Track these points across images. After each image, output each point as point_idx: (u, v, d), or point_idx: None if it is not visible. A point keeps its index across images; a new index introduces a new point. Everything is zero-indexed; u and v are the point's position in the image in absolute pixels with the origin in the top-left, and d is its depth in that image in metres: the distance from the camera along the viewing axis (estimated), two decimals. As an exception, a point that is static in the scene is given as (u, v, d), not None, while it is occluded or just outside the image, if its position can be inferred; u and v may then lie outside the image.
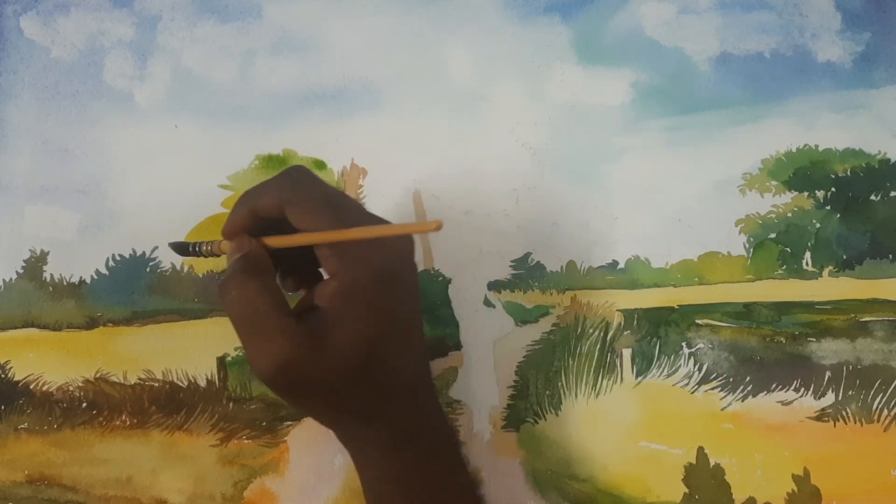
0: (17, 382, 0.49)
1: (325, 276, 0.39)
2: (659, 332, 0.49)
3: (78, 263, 0.50)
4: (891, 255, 0.49)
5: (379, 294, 0.37)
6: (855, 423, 0.48)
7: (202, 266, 0.50)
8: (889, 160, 0.50)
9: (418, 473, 0.41)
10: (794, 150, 0.51)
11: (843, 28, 0.52)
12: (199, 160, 0.51)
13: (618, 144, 0.51)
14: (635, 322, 0.49)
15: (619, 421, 0.48)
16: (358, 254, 0.37)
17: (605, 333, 0.49)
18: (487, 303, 0.50)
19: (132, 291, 0.50)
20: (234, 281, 0.37)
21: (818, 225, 0.50)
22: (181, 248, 0.43)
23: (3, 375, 0.49)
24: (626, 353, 0.49)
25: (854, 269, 0.49)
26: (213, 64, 0.52)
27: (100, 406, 0.48)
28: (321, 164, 0.51)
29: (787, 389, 0.48)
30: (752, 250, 0.50)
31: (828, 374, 0.48)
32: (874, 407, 0.48)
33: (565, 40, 0.52)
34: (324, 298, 0.37)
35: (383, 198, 0.51)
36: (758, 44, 0.52)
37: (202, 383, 0.49)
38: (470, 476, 0.44)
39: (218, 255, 0.41)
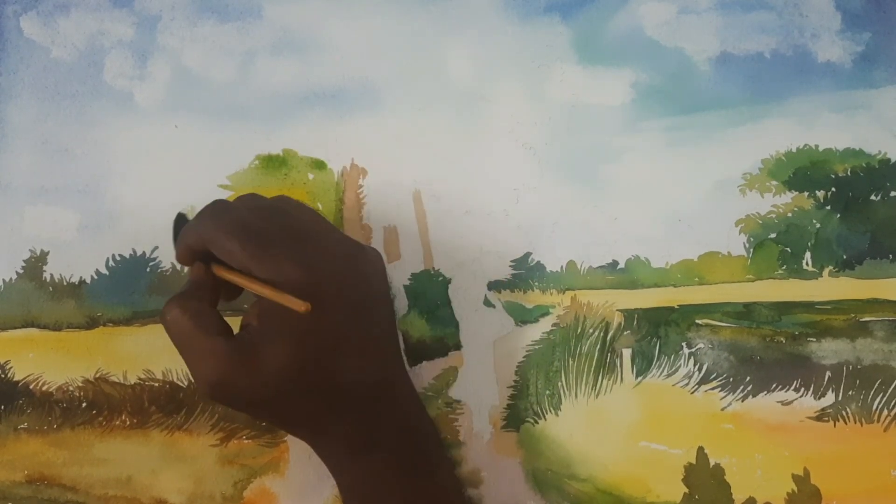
0: (17, 382, 0.49)
1: None
2: (659, 332, 0.49)
3: (78, 263, 0.50)
4: (891, 255, 0.49)
5: (313, 301, 0.37)
6: (855, 423, 0.48)
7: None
8: (889, 160, 0.50)
9: (392, 475, 0.41)
10: (794, 150, 0.51)
11: (843, 28, 0.52)
12: (199, 160, 0.51)
13: (618, 144, 0.51)
14: (635, 322, 0.49)
15: (619, 421, 0.48)
16: (282, 273, 0.38)
17: (605, 333, 0.49)
18: (487, 303, 0.50)
19: (132, 291, 0.50)
20: (167, 306, 0.39)
21: (818, 225, 0.50)
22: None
23: (2, 375, 0.49)
24: (626, 353, 0.49)
25: (854, 269, 0.49)
26: (213, 64, 0.52)
27: (100, 406, 0.48)
28: (321, 164, 0.51)
29: (788, 389, 0.48)
30: (752, 250, 0.50)
31: (828, 374, 0.48)
32: (874, 407, 0.48)
33: (565, 40, 0.52)
34: (251, 317, 0.40)
35: (383, 198, 0.51)
36: (758, 44, 0.52)
37: (202, 383, 0.49)
38: (454, 476, 0.44)
39: None
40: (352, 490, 0.42)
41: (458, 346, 0.49)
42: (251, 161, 0.51)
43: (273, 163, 0.51)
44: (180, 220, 0.45)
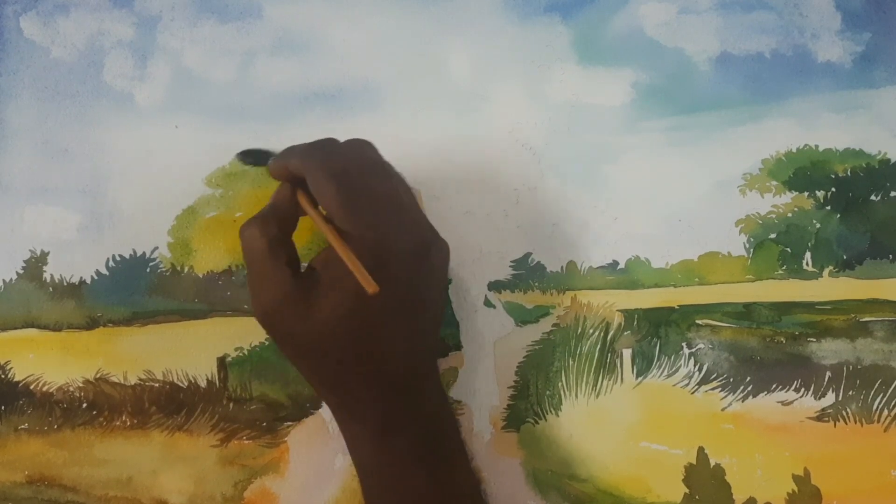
0: (18, 383, 0.49)
1: None
2: (659, 332, 0.49)
3: (78, 264, 0.50)
4: (891, 255, 0.49)
5: (378, 275, 0.37)
6: (855, 423, 0.48)
7: (202, 266, 0.50)
8: (889, 160, 0.50)
9: (412, 462, 0.41)
10: (794, 150, 0.51)
11: (842, 28, 0.52)
12: (199, 160, 0.51)
13: (618, 144, 0.51)
14: (635, 322, 0.49)
15: (620, 421, 0.48)
16: (361, 234, 0.38)
17: (606, 334, 0.49)
18: (487, 303, 0.50)
19: (132, 292, 0.50)
20: (246, 226, 0.40)
21: (818, 225, 0.50)
22: (256, 156, 0.45)
23: (3, 376, 0.49)
24: (627, 354, 0.49)
25: (854, 269, 0.49)
26: (213, 64, 0.52)
27: (100, 406, 0.48)
28: (321, 165, 0.51)
29: (788, 390, 0.48)
30: (752, 250, 0.50)
31: (828, 374, 0.48)
32: (874, 407, 0.48)
33: (565, 40, 0.52)
34: (317, 261, 0.40)
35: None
36: (758, 44, 0.52)
37: (202, 384, 0.49)
38: (472, 470, 0.44)
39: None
40: (371, 473, 0.42)
41: (458, 347, 0.49)
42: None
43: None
44: (250, 151, 0.45)
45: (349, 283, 0.38)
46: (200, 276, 0.50)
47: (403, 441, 0.41)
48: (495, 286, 0.50)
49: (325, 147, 0.41)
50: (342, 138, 0.51)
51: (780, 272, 0.50)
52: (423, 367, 0.43)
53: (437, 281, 0.43)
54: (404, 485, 0.41)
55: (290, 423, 0.48)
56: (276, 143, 0.50)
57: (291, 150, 0.41)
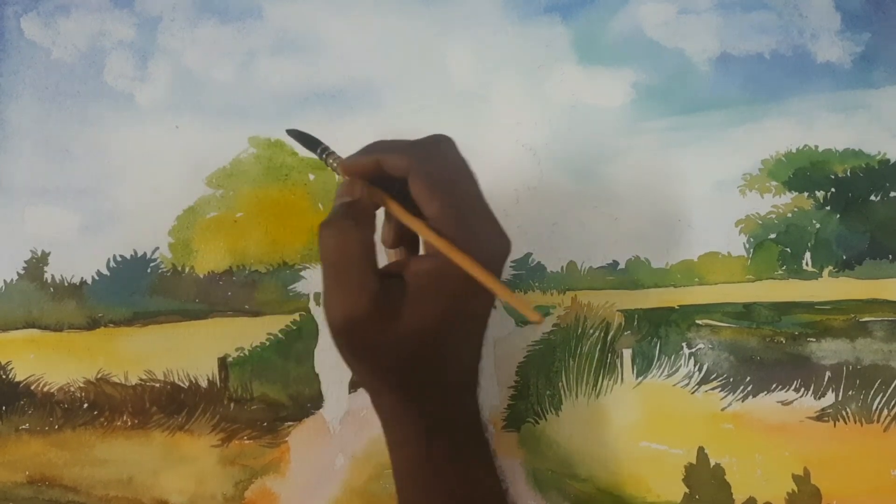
0: (19, 383, 0.49)
1: (422, 251, 0.39)
2: (659, 332, 0.49)
3: (79, 264, 0.50)
4: (890, 256, 0.49)
5: (464, 288, 0.37)
6: (855, 423, 0.48)
7: (203, 266, 0.50)
8: (889, 160, 0.50)
9: (449, 461, 0.40)
10: (793, 150, 0.51)
11: (842, 28, 0.52)
12: (199, 160, 0.51)
13: (618, 144, 0.51)
14: (636, 322, 0.49)
15: (620, 421, 0.48)
16: (461, 244, 0.37)
17: (606, 334, 0.49)
18: (488, 303, 0.50)
19: (133, 292, 0.50)
20: (335, 226, 0.37)
21: (818, 225, 0.50)
22: (308, 141, 0.42)
23: (4, 376, 0.49)
24: (627, 354, 0.49)
25: (854, 269, 0.49)
26: (214, 64, 0.52)
27: (101, 407, 0.48)
28: (322, 165, 0.51)
29: (788, 389, 0.48)
30: (752, 250, 0.50)
31: (828, 374, 0.48)
32: (874, 407, 0.48)
33: (565, 40, 0.52)
34: (413, 273, 0.37)
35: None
36: (758, 44, 0.52)
37: (203, 384, 0.49)
38: (499, 472, 0.43)
39: (335, 172, 0.41)
40: (408, 473, 0.41)
41: (458, 347, 0.49)
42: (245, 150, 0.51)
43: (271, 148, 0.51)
44: (298, 133, 0.43)
45: (445, 291, 0.37)
46: (201, 276, 0.50)
47: (445, 442, 0.40)
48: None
49: (431, 149, 0.38)
50: (342, 138, 0.51)
51: (780, 272, 0.50)
52: (474, 373, 0.42)
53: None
54: (440, 484, 0.40)
55: (290, 424, 0.48)
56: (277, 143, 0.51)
57: (391, 147, 0.39)
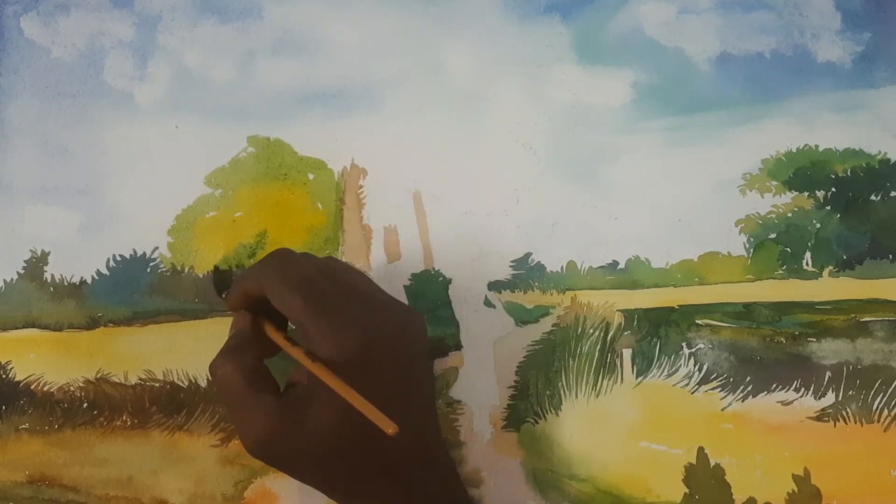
0: (18, 383, 0.49)
1: None
2: (659, 332, 0.49)
3: (78, 264, 0.50)
4: (891, 255, 0.49)
5: (356, 372, 0.37)
6: (855, 423, 0.48)
7: (202, 266, 0.50)
8: (889, 160, 0.50)
9: None
10: (794, 150, 0.51)
11: (843, 28, 0.52)
12: (199, 160, 0.51)
13: (618, 144, 0.51)
14: (635, 322, 0.49)
15: (620, 421, 0.48)
16: (339, 335, 0.38)
17: (606, 334, 0.49)
18: (487, 303, 0.50)
19: (133, 292, 0.50)
20: (216, 361, 0.39)
21: (818, 225, 0.50)
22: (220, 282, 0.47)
23: (3, 376, 0.49)
24: (627, 354, 0.49)
25: (854, 269, 0.49)
26: (213, 64, 0.52)
27: (101, 406, 0.48)
28: (321, 164, 0.51)
29: (788, 389, 0.48)
30: (752, 250, 0.50)
31: (828, 374, 0.48)
32: (874, 407, 0.48)
33: (565, 40, 0.52)
34: (300, 375, 0.39)
35: (383, 198, 0.51)
36: (758, 44, 0.52)
37: (203, 383, 0.49)
38: None
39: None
40: None
41: (458, 347, 0.49)
42: (244, 148, 0.51)
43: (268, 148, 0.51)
44: (220, 273, 0.47)
45: (329, 390, 0.37)
46: (201, 276, 0.50)
47: None
48: (495, 286, 0.50)
49: (280, 261, 0.40)
50: (342, 138, 0.51)
51: (780, 272, 0.50)
52: (429, 441, 0.42)
53: (419, 352, 0.43)
54: None
55: (290, 423, 0.48)
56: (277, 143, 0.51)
57: (244, 276, 0.41)
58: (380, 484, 0.40)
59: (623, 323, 0.49)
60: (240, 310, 0.41)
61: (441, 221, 0.50)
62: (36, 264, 0.50)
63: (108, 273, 0.50)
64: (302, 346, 0.39)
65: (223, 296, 0.44)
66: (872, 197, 0.50)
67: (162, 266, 0.50)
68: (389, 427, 0.35)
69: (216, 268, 0.48)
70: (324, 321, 0.38)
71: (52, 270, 0.50)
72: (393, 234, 0.50)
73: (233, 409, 0.39)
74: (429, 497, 0.41)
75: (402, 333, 0.41)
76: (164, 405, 0.48)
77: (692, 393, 0.49)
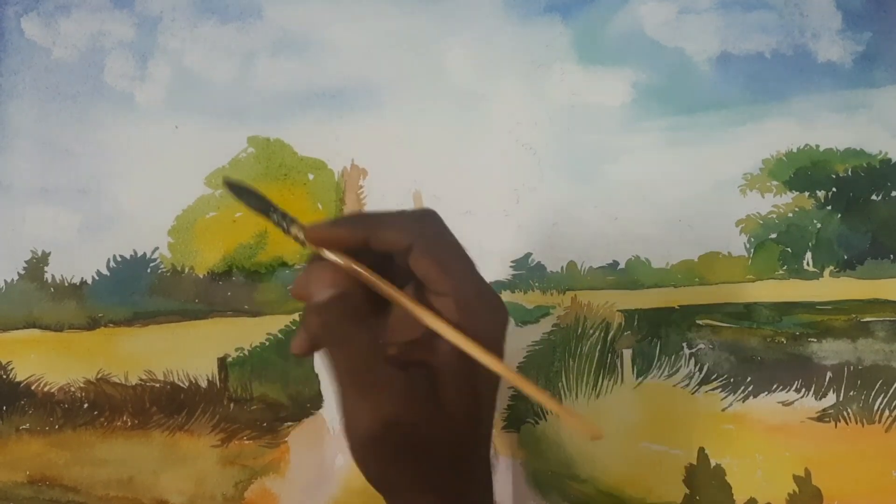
0: (19, 383, 0.49)
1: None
2: (659, 332, 0.49)
3: (79, 264, 0.50)
4: (892, 255, 0.49)
5: (497, 355, 0.34)
6: (856, 423, 0.48)
7: (203, 266, 0.50)
8: (890, 160, 0.50)
9: None
10: (794, 150, 0.51)
11: (843, 28, 0.52)
12: (199, 160, 0.51)
13: (618, 144, 0.51)
14: (636, 322, 0.49)
15: (620, 421, 0.48)
16: (480, 317, 0.33)
17: (606, 334, 0.49)
18: (488, 303, 0.50)
19: (133, 292, 0.50)
20: (338, 331, 0.33)
21: (819, 225, 0.50)
22: (259, 202, 0.35)
23: (4, 376, 0.49)
24: (627, 354, 0.49)
25: (855, 269, 0.49)
26: (214, 64, 0.52)
27: (101, 407, 0.49)
28: (321, 164, 0.51)
29: (788, 390, 0.48)
30: (752, 250, 0.50)
31: (829, 374, 0.48)
32: (875, 408, 0.48)
33: (565, 40, 0.52)
34: (423, 353, 0.33)
35: (383, 198, 0.51)
36: (758, 44, 0.52)
37: (203, 384, 0.49)
38: None
39: (293, 239, 0.34)
40: None
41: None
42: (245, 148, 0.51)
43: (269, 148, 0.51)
44: (250, 194, 0.35)
45: (475, 370, 0.33)
46: (201, 276, 0.50)
47: None
48: (495, 286, 0.50)
49: (430, 224, 0.34)
50: (343, 139, 0.51)
51: (781, 272, 0.50)
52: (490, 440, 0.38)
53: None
54: None
55: (290, 424, 0.48)
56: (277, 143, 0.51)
57: (384, 221, 0.34)
58: (460, 477, 0.35)
59: (623, 323, 0.49)
60: (335, 252, 0.33)
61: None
62: (36, 265, 0.50)
63: (108, 273, 0.50)
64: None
65: (275, 212, 0.34)
66: (873, 197, 0.50)
67: (162, 266, 0.50)
68: (596, 432, 0.31)
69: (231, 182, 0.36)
70: (483, 288, 0.34)
71: (53, 271, 0.50)
72: (393, 234, 0.50)
73: (352, 386, 0.33)
74: (474, 494, 0.37)
75: (505, 331, 0.36)
76: (164, 405, 0.49)
77: (692, 393, 0.48)
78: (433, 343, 0.33)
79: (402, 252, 0.33)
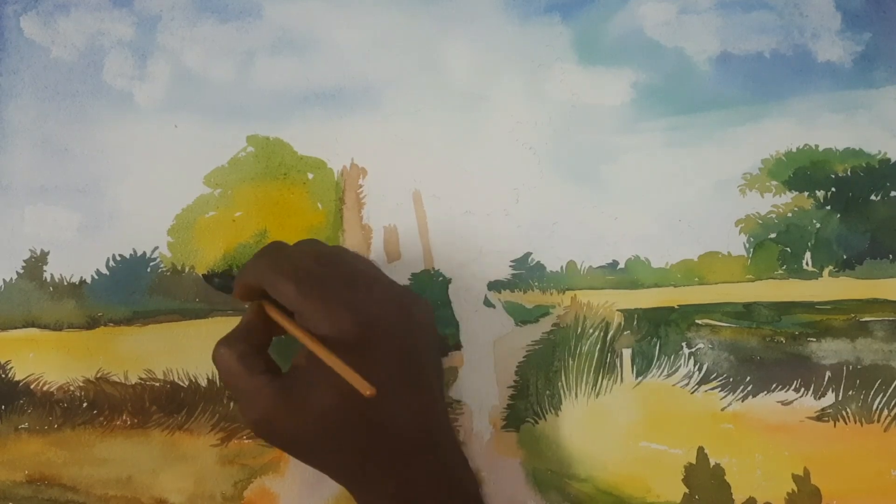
0: (18, 382, 0.49)
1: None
2: (659, 332, 0.49)
3: (78, 263, 0.50)
4: (891, 255, 0.49)
5: (354, 352, 0.38)
6: (855, 423, 0.48)
7: (202, 266, 0.50)
8: (889, 160, 0.50)
9: None
10: (794, 149, 0.51)
11: (843, 28, 0.52)
12: (199, 160, 0.51)
13: (618, 144, 0.51)
14: (635, 322, 0.49)
15: (620, 421, 0.48)
16: (333, 318, 0.39)
17: (605, 333, 0.49)
18: (487, 303, 0.50)
19: (133, 291, 0.50)
20: (219, 345, 0.41)
21: (818, 225, 0.50)
22: (224, 280, 0.49)
23: (3, 375, 0.49)
24: (626, 353, 0.49)
25: (854, 269, 0.49)
26: (213, 64, 0.52)
27: (100, 406, 0.48)
28: (321, 164, 0.51)
29: (788, 389, 0.48)
30: (752, 250, 0.50)
31: (828, 374, 0.48)
32: (874, 407, 0.48)
33: (565, 40, 0.52)
34: (300, 358, 0.40)
35: (383, 198, 0.51)
36: (758, 44, 0.52)
37: (203, 383, 0.49)
38: None
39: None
40: None
41: (458, 347, 0.49)
42: (244, 147, 0.51)
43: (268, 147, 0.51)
44: (222, 275, 0.49)
45: (326, 371, 0.38)
46: (201, 275, 0.50)
47: None
48: (495, 286, 0.50)
49: (272, 253, 0.42)
50: (343, 138, 0.51)
51: (780, 272, 0.50)
52: (434, 425, 0.42)
53: (425, 338, 0.43)
54: None
55: (290, 423, 0.48)
56: (277, 143, 0.51)
57: (242, 271, 0.42)
58: (383, 467, 0.40)
59: (623, 323, 0.49)
60: (248, 301, 0.43)
61: (441, 221, 0.50)
62: (36, 264, 0.50)
63: (107, 273, 0.50)
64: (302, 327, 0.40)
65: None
66: (872, 197, 0.50)
67: (162, 266, 0.50)
68: (367, 389, 0.36)
69: (215, 273, 0.49)
70: (318, 303, 0.39)
71: (52, 270, 0.50)
72: (393, 233, 0.50)
73: (231, 391, 0.41)
74: (433, 483, 0.41)
75: (407, 318, 0.42)
76: (164, 405, 0.48)
77: (692, 393, 0.49)
78: (300, 350, 0.40)
79: (262, 292, 0.41)
